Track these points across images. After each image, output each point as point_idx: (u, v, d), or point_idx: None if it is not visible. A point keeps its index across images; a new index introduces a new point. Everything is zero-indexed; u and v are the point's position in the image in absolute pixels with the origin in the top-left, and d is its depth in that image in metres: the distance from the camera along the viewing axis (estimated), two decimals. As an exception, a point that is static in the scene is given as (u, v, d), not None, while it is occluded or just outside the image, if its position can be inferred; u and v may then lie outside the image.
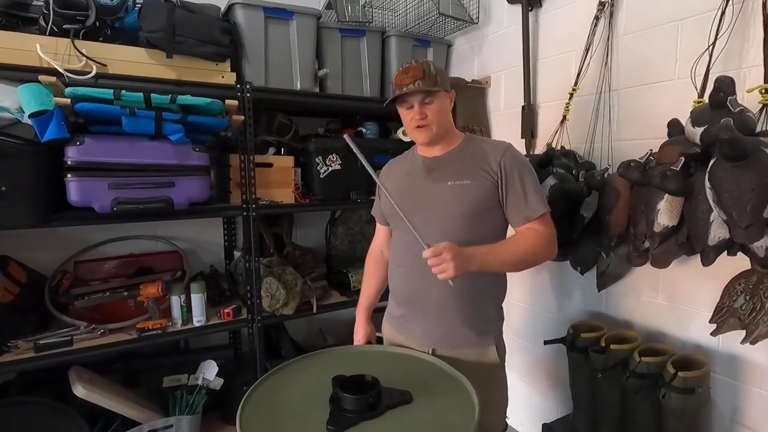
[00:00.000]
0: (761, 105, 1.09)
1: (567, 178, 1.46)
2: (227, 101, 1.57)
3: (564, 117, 1.68)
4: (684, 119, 1.17)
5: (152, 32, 1.53)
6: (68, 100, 1.34)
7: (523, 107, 1.87)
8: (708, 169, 1.00)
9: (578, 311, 1.76)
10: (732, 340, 1.27)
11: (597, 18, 1.57)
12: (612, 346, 1.37)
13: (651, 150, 1.24)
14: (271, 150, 1.94)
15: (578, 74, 1.61)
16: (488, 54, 2.09)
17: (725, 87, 1.01)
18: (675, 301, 1.45)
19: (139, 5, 1.57)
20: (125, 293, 1.70)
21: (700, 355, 1.32)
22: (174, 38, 1.56)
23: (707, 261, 1.09)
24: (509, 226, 1.24)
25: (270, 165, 1.86)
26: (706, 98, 1.13)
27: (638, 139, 1.49)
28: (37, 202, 1.39)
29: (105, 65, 1.49)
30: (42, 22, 1.43)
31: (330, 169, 1.97)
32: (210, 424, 1.83)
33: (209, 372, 1.82)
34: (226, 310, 1.80)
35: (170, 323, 1.71)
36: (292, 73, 1.87)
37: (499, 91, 2.05)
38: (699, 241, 1.09)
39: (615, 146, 1.56)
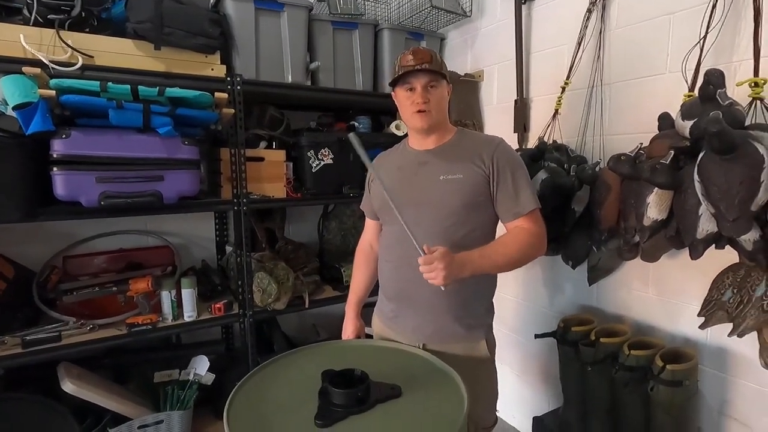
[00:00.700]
0: (750, 98, 1.09)
1: (558, 172, 1.46)
2: (217, 94, 1.55)
3: (556, 111, 1.67)
4: (675, 113, 1.17)
5: (140, 23, 1.51)
6: (53, 92, 1.31)
7: (515, 101, 1.87)
8: (697, 162, 1.01)
9: (569, 305, 1.77)
10: (720, 333, 1.28)
11: (589, 11, 1.56)
12: (602, 340, 1.38)
13: (641, 144, 1.24)
14: (263, 144, 1.92)
15: (570, 68, 1.61)
16: (481, 47, 2.08)
17: (715, 80, 1.01)
18: (665, 294, 1.46)
19: (127, -5, 1.55)
20: (114, 288, 1.68)
21: (688, 348, 1.33)
22: (162, 29, 1.53)
23: (695, 254, 1.09)
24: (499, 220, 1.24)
25: (261, 159, 1.84)
26: (696, 92, 1.13)
27: (630, 133, 1.49)
28: (23, 196, 1.36)
29: (91, 57, 1.47)
30: (26, 12, 1.40)
31: (322, 163, 1.96)
32: (201, 419, 1.83)
33: (201, 367, 1.81)
34: (218, 305, 1.79)
35: (160, 318, 1.70)
36: (283, 66, 1.85)
37: (492, 85, 2.04)
38: (688, 235, 1.09)
39: (606, 140, 1.56)
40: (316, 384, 0.99)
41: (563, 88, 1.64)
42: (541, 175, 1.46)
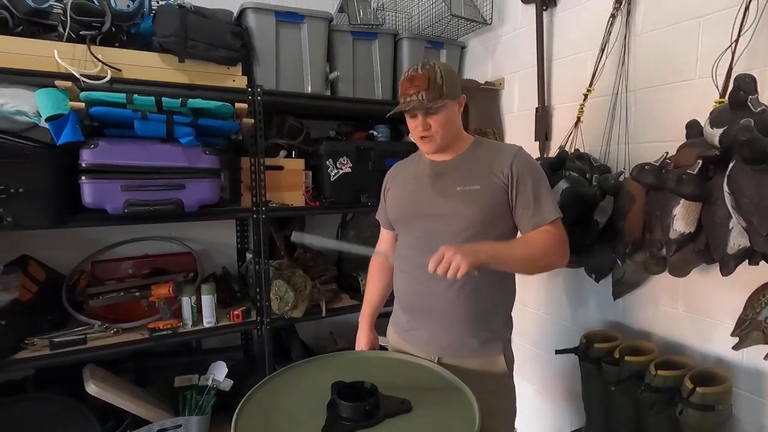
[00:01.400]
0: (787, 105, 1.03)
1: (580, 181, 1.41)
2: (237, 104, 1.59)
3: (578, 119, 1.62)
4: (704, 120, 1.12)
5: (166, 37, 1.56)
6: (83, 105, 1.38)
7: (536, 109, 1.83)
8: (727, 172, 0.95)
9: (593, 320, 1.70)
10: (758, 354, 1.20)
11: (613, 16, 1.51)
12: (626, 358, 1.31)
13: (667, 153, 1.18)
14: (282, 153, 1.95)
15: (593, 74, 1.56)
16: (502, 55, 2.05)
17: (746, 86, 0.96)
18: (695, 311, 1.38)
19: (154, 11, 1.61)
20: (137, 293, 1.73)
21: (721, 369, 1.25)
22: (186, 43, 1.58)
23: (726, 270, 1.03)
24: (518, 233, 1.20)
25: (281, 168, 1.87)
26: (727, 98, 1.07)
27: (656, 142, 1.43)
28: (53, 204, 1.43)
29: (120, 70, 1.53)
30: (60, 29, 1.48)
31: (341, 172, 1.97)
32: (219, 425, 1.84)
33: (219, 373, 1.83)
34: (236, 312, 1.81)
35: (181, 324, 1.73)
36: (303, 77, 1.88)
37: (513, 93, 2.00)
38: (717, 249, 1.03)
39: (632, 149, 1.50)
40: (327, 395, 0.98)
41: (586, 96, 1.59)
42: (562, 184, 1.41)
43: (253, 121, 1.68)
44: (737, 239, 0.98)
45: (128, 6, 1.57)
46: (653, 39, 1.44)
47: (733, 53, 1.16)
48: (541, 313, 1.94)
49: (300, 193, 1.92)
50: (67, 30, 1.46)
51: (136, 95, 1.41)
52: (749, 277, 1.14)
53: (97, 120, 1.44)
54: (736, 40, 1.15)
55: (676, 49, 1.37)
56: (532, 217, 1.12)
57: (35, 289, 1.66)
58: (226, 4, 1.76)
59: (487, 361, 1.19)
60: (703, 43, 1.31)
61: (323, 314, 1.93)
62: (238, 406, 0.96)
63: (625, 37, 1.50)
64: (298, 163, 1.92)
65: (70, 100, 1.38)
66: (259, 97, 1.72)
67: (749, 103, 0.95)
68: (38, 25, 1.50)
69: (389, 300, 1.43)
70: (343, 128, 2.19)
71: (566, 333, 1.81)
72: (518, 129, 1.98)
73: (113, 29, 1.53)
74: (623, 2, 1.49)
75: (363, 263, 2.23)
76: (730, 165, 0.95)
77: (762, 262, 1.03)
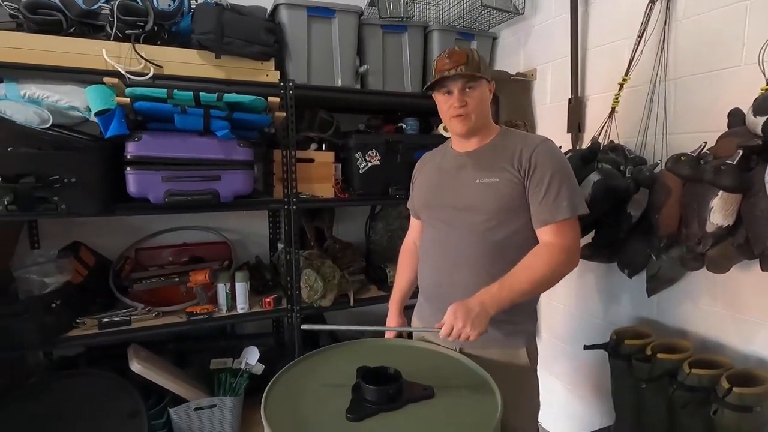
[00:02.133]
0: (841, 91, 0.97)
1: (612, 174, 1.37)
2: (270, 98, 1.64)
3: (613, 109, 1.57)
4: (748, 108, 1.06)
5: (203, 34, 1.63)
6: (128, 100, 1.46)
7: (569, 100, 1.78)
8: (770, 163, 0.90)
9: (626, 317, 1.65)
10: (803, 356, 1.14)
11: (652, 2, 1.45)
12: (659, 355, 1.27)
13: (705, 142, 1.13)
14: (313, 146, 1.99)
15: (630, 63, 1.51)
16: (534, 45, 2.00)
17: (794, 71, 0.90)
18: (737, 310, 1.31)
19: (193, 9, 1.68)
20: (177, 279, 1.83)
21: (762, 370, 1.19)
22: (223, 39, 1.65)
23: (767, 265, 0.98)
24: None
25: (311, 160, 1.92)
26: (774, 85, 1.02)
27: (697, 132, 1.37)
28: (101, 193, 1.53)
29: (161, 67, 1.61)
30: (108, 29, 1.57)
31: (370, 164, 1.99)
32: (251, 406, 1.92)
33: (251, 357, 1.91)
34: (268, 300, 1.88)
35: (216, 309, 1.82)
36: (333, 70, 1.91)
37: (545, 84, 1.96)
38: (758, 243, 0.98)
39: (670, 140, 1.44)
40: (352, 379, 1.01)
41: (621, 85, 1.54)
42: (593, 177, 1.38)
43: (285, 114, 1.73)
44: (780, 233, 0.94)
45: (169, 5, 1.65)
46: (696, 24, 1.37)
47: (783, 37, 1.09)
48: (572, 309, 1.90)
49: (330, 185, 1.96)
50: (114, 29, 1.55)
51: (176, 90, 1.48)
52: (795, 274, 1.08)
53: (140, 114, 1.53)
54: (786, 23, 1.08)
55: (720, 34, 1.31)
56: (539, 214, 1.10)
57: (85, 273, 1.78)
58: (261, 1, 1.82)
59: (508, 353, 1.19)
60: (749, 27, 1.24)
61: (351, 304, 1.97)
62: (267, 388, 1.01)
63: (665, 22, 1.44)
64: (329, 156, 1.96)
65: (117, 96, 1.47)
66: (291, 91, 1.77)
67: (797, 90, 0.89)
68: (88, 26, 1.60)
69: (415, 292, 1.44)
70: (372, 121, 2.21)
71: (596, 329, 1.77)
72: (551, 121, 1.94)
73: (155, 28, 1.61)
74: (663, -14, 1.43)
75: (391, 255, 2.27)
76: (774, 155, 0.90)
77: (808, 258, 0.97)
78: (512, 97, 2.01)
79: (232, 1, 1.74)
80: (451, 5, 2.10)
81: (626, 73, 1.52)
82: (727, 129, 1.16)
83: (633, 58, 1.50)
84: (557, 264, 1.07)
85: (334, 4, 1.85)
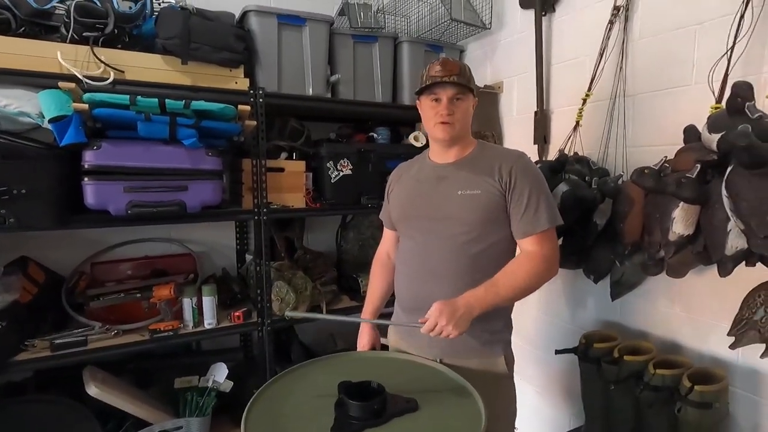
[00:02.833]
0: (782, 111, 1.06)
1: (579, 184, 1.44)
2: (240, 106, 1.59)
3: (577, 122, 1.65)
4: (701, 125, 1.14)
5: (168, 39, 1.57)
6: (86, 106, 1.38)
7: (535, 113, 1.85)
8: (725, 176, 0.98)
9: (592, 320, 1.73)
10: (753, 354, 1.23)
11: (611, 22, 1.54)
12: (625, 358, 1.34)
13: (666, 157, 1.21)
14: (283, 155, 1.96)
15: (592, 79, 1.59)
16: (501, 59, 2.07)
17: (743, 92, 0.98)
18: (692, 312, 1.41)
19: (157, 13, 1.61)
20: (138, 295, 1.73)
21: (718, 368, 1.27)
22: (189, 45, 1.59)
23: (724, 272, 1.05)
24: None
25: (282, 170, 1.88)
26: (723, 104, 1.10)
27: (653, 146, 1.46)
28: (56, 205, 1.42)
29: (122, 72, 1.53)
30: (63, 30, 1.47)
31: (341, 173, 1.98)
32: (219, 426, 1.84)
33: (219, 374, 1.83)
34: (237, 314, 1.81)
35: (182, 325, 1.73)
36: (304, 79, 1.89)
37: (512, 97, 2.03)
38: (716, 251, 1.05)
39: (629, 152, 1.53)
40: (334, 395, 0.99)
41: (584, 100, 1.62)
42: (562, 187, 1.43)
43: (255, 123, 1.69)
44: (735, 241, 1.01)
45: (130, 8, 1.58)
46: (651, 45, 1.47)
47: (729, 60, 1.19)
48: (541, 314, 1.96)
49: (301, 195, 1.93)
50: (71, 31, 1.45)
51: (139, 97, 1.41)
52: (745, 277, 1.17)
53: (100, 121, 1.45)
54: (732, 47, 1.18)
55: (673, 55, 1.40)
56: (521, 226, 1.15)
57: (35, 291, 1.65)
58: (229, 7, 1.77)
59: (487, 362, 1.21)
60: (699, 50, 1.34)
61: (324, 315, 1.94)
62: (247, 406, 0.97)
63: (623, 42, 1.53)
64: (299, 165, 1.93)
65: (74, 102, 1.37)
66: (261, 99, 1.73)
67: (746, 110, 0.97)
68: (40, 26, 1.50)
69: (390, 301, 1.44)
70: (343, 130, 2.20)
71: (565, 333, 1.84)
72: (517, 132, 2.01)
73: (116, 31, 1.53)
74: (621, 9, 1.52)
75: (363, 264, 2.25)
76: (728, 169, 0.97)
77: (759, 264, 1.05)
78: (480, 109, 2.03)
79: (198, 6, 1.68)
80: (420, 18, 2.14)
81: (589, 89, 1.60)
82: (681, 144, 1.25)
83: (595, 75, 1.58)
84: (539, 271, 1.13)
85: (305, 13, 1.83)
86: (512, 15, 1.98)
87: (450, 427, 0.94)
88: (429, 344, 1.23)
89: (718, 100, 1.19)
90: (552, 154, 1.80)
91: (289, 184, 1.89)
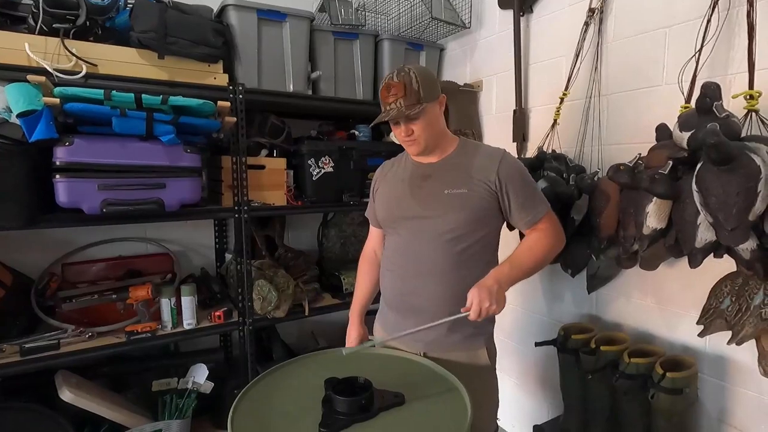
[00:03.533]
0: (746, 111, 1.12)
1: (558, 181, 1.48)
2: (219, 103, 1.56)
3: (555, 121, 1.70)
4: (672, 124, 1.19)
5: (144, 33, 1.52)
6: (57, 100, 1.32)
7: (514, 111, 1.89)
8: (695, 172, 1.02)
9: (569, 313, 1.78)
10: (719, 341, 1.30)
11: (587, 24, 1.59)
12: (602, 348, 1.39)
13: (639, 154, 1.26)
14: (264, 152, 1.93)
15: (569, 79, 1.64)
16: (480, 58, 2.10)
17: (711, 93, 1.03)
18: (663, 303, 1.47)
19: (131, 5, 1.56)
20: (114, 296, 1.68)
21: (688, 356, 1.34)
22: (166, 39, 1.55)
23: (694, 263, 1.11)
24: (502, 231, 1.27)
25: (262, 167, 1.85)
26: (693, 103, 1.15)
27: (627, 143, 1.51)
28: (25, 203, 1.36)
29: (95, 65, 1.48)
30: (31, 21, 1.42)
31: (322, 171, 1.97)
32: (200, 428, 1.82)
33: (199, 376, 1.80)
34: (217, 313, 1.78)
35: (160, 326, 1.69)
36: (285, 75, 1.87)
37: (491, 95, 2.06)
38: (686, 244, 1.10)
39: (604, 150, 1.58)
40: (320, 392, 0.99)
41: (562, 99, 1.66)
42: (541, 183, 1.47)
43: (235, 119, 1.66)
44: (704, 234, 1.06)
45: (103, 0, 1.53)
46: (623, 47, 1.52)
47: (697, 62, 1.24)
48: (519, 308, 2.01)
49: (282, 193, 1.91)
50: (39, 23, 1.40)
51: (114, 91, 1.37)
52: (712, 270, 1.23)
53: (72, 117, 1.39)
54: (700, 50, 1.24)
55: (644, 57, 1.46)
56: (525, 217, 1.20)
57: (2, 294, 1.58)
58: (206, 1, 1.74)
59: (470, 354, 1.23)
60: (669, 52, 1.39)
61: (306, 313, 1.93)
62: (233, 406, 0.96)
63: (598, 44, 1.58)
64: (280, 162, 1.91)
65: (44, 96, 1.32)
66: (241, 96, 1.71)
67: (714, 109, 1.02)
68: (5, 17, 1.43)
69: (376, 298, 1.45)
70: (324, 128, 2.19)
71: (543, 326, 1.89)
72: (496, 130, 2.04)
73: (87, 23, 1.48)
74: (596, 11, 1.57)
75: (345, 262, 2.25)
76: (698, 166, 1.02)
77: (726, 255, 1.11)
78: (460, 107, 2.09)
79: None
80: (401, 15, 2.15)
81: (566, 88, 1.64)
82: (653, 141, 1.30)
83: (571, 75, 1.63)
84: (553, 243, 1.22)
85: (286, 8, 1.81)
86: (491, 15, 2.02)
87: (437, 420, 0.95)
88: (414, 339, 1.24)
89: (688, 100, 1.25)
90: (531, 152, 1.84)
91: (270, 181, 1.87)
